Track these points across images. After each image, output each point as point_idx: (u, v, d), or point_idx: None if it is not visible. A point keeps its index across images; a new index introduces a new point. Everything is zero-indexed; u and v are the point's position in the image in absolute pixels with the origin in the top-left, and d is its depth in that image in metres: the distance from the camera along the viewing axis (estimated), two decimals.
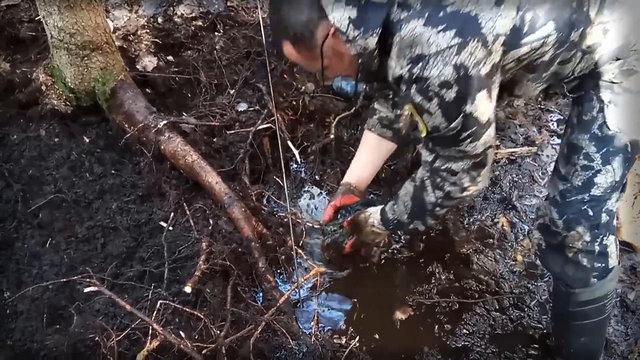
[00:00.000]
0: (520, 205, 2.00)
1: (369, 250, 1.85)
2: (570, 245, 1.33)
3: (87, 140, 2.13)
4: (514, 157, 2.17)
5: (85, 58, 1.99)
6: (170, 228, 1.86)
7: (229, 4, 2.33)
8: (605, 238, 1.34)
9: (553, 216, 1.35)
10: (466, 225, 1.97)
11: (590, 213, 1.30)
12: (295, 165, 2.17)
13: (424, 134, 1.24)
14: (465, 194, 1.32)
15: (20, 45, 2.27)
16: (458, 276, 1.82)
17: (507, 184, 2.08)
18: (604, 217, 1.31)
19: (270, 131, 2.13)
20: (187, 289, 1.54)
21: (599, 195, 1.29)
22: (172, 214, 1.86)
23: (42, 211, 1.93)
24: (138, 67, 2.26)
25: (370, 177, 1.77)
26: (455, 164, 1.26)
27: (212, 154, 2.08)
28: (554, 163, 1.47)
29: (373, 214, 1.59)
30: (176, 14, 2.32)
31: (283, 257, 1.84)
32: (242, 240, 1.80)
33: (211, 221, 1.84)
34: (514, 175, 2.11)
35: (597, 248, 1.32)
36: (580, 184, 1.30)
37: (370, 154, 1.75)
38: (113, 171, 2.05)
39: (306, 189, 2.14)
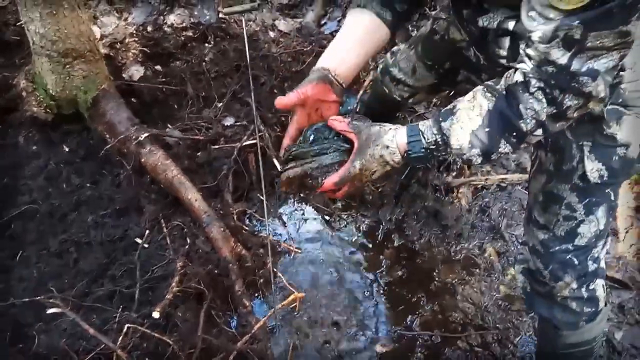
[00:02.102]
0: (508, 235, 1.92)
1: (355, 189, 1.32)
2: (558, 293, 1.26)
3: (67, 150, 2.04)
4: (505, 184, 2.09)
5: (67, 66, 1.91)
6: (146, 245, 1.77)
7: (221, 15, 2.25)
8: (592, 283, 1.26)
9: (538, 266, 1.27)
10: (452, 253, 1.88)
11: (576, 262, 1.23)
12: None
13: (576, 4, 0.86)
14: (580, 112, 0.98)
15: (5, 49, 2.19)
16: (442, 307, 1.73)
17: (497, 212, 2.00)
18: (591, 265, 1.24)
19: (256, 147, 2.04)
20: (155, 314, 1.45)
21: (583, 245, 1.21)
22: (147, 231, 1.76)
23: (14, 222, 1.84)
24: (124, 75, 2.18)
25: (356, 68, 1.24)
26: (605, 59, 0.90)
27: (195, 169, 1.99)
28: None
29: (393, 130, 1.10)
30: (166, 23, 2.25)
31: (261, 280, 1.74)
32: (219, 262, 1.71)
33: (188, 240, 1.76)
34: (504, 203, 2.03)
35: (585, 294, 1.25)
36: (563, 234, 1.22)
37: (358, 34, 1.23)
38: (91, 183, 1.96)
39: (291, 207, 2.05)
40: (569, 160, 1.16)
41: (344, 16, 2.49)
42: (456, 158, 1.21)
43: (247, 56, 1.43)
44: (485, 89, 1.04)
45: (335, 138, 1.15)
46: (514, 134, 1.01)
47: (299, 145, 1.17)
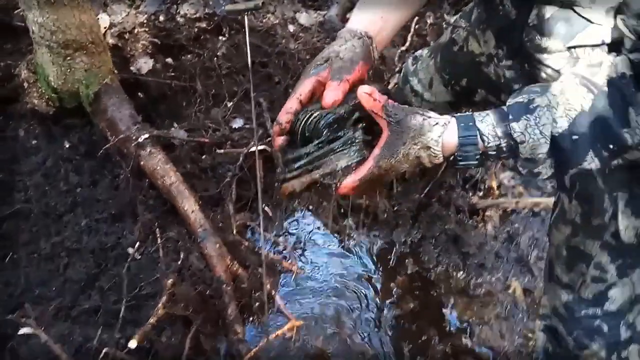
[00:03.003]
0: (537, 270, 1.68)
1: (373, 188, 1.25)
2: None
3: (68, 145, 1.92)
4: (538, 210, 1.85)
5: (68, 58, 1.77)
6: (138, 257, 1.63)
7: (224, 12, 2.06)
8: (625, 351, 1.05)
9: (560, 330, 1.07)
10: (472, 287, 1.67)
11: (606, 329, 1.02)
12: None
13: None
14: None
15: (11, 35, 2.07)
16: (455, 350, 1.53)
17: (526, 241, 1.77)
18: (624, 333, 1.03)
19: (264, 154, 1.86)
20: (132, 344, 1.31)
21: (615, 310, 1.02)
22: (137, 243, 1.63)
23: (6, 221, 1.73)
24: (132, 68, 2.04)
25: (391, 33, 1.08)
26: None
27: (198, 174, 1.84)
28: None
29: (440, 127, 0.87)
30: (179, 13, 2.08)
31: (257, 304, 1.58)
32: (213, 281, 1.55)
33: (182, 255, 1.61)
34: (535, 231, 1.80)
35: None
36: (590, 297, 1.02)
37: None
38: (89, 183, 1.84)
39: (297, 221, 1.88)
40: (600, 214, 0.96)
41: None
42: (523, 167, 1.03)
43: (249, 61, 1.23)
44: (578, 79, 0.84)
45: (351, 123, 0.93)
46: (611, 146, 0.81)
47: (302, 135, 0.94)
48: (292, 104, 0.97)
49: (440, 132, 0.86)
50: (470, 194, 1.89)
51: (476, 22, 1.31)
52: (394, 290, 1.67)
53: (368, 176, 0.90)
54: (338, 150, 0.92)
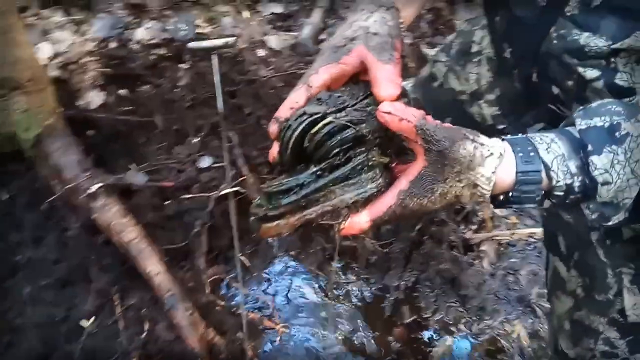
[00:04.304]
0: (540, 310, 1.49)
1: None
2: None
3: (6, 197, 1.59)
4: (535, 240, 1.66)
5: (3, 98, 1.46)
6: (95, 330, 1.34)
7: (199, 30, 1.79)
8: None
9: None
10: (474, 334, 1.46)
11: None
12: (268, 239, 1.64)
13: None
14: None
15: None
16: None
17: (526, 277, 1.58)
18: None
19: (239, 196, 1.60)
20: None
21: None
22: (93, 313, 1.33)
23: None
24: (80, 103, 1.73)
25: (416, 11, 0.87)
26: None
27: (161, 224, 1.57)
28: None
29: (495, 159, 0.62)
30: (133, 39, 1.78)
31: None
32: (185, 355, 1.28)
33: (146, 325, 1.32)
34: (534, 265, 1.61)
35: None
36: None
37: None
38: (32, 241, 1.52)
39: (278, 270, 1.62)
40: (603, 290, 0.86)
41: None
42: (594, 214, 0.69)
43: (220, 103, 0.97)
44: None
45: (372, 147, 0.66)
46: None
47: (292, 150, 0.66)
48: (298, 97, 0.69)
49: (495, 166, 0.62)
50: (463, 227, 1.68)
51: (456, 57, 1.18)
52: (392, 344, 1.44)
53: (385, 217, 0.63)
54: (344, 178, 0.65)
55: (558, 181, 0.64)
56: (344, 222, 0.64)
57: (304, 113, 0.66)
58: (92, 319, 1.34)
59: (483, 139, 0.63)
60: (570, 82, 0.80)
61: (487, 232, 1.67)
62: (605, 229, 0.83)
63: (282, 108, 0.69)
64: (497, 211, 1.72)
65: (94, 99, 1.74)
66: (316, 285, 1.57)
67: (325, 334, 1.46)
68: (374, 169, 0.65)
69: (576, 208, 0.81)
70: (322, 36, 1.98)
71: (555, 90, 0.84)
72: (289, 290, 1.56)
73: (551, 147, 0.65)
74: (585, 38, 0.75)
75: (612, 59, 0.75)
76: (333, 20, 2.05)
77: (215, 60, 1.05)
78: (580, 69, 0.77)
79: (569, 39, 0.78)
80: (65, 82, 1.73)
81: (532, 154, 0.64)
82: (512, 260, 1.64)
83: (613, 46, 0.73)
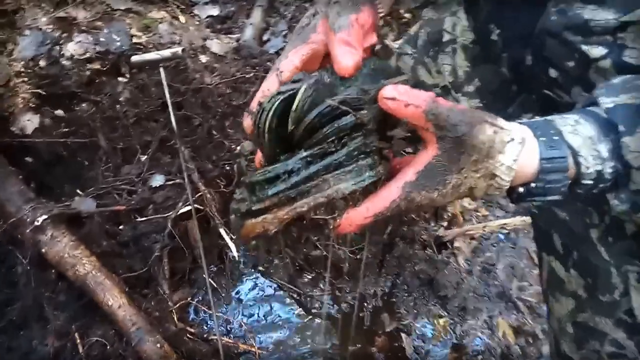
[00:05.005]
0: (522, 303, 1.65)
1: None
2: None
3: None
4: (507, 231, 1.83)
5: None
6: None
7: (135, 40, 1.86)
8: None
9: None
10: (459, 337, 1.61)
11: None
12: (234, 254, 1.74)
13: None
14: None
15: None
16: None
17: (503, 271, 1.74)
18: None
19: (198, 213, 1.69)
20: None
21: None
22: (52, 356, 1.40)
23: None
24: (14, 129, 1.77)
25: None
26: None
27: (117, 251, 1.64)
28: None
29: (517, 144, 0.61)
30: (64, 54, 1.83)
31: None
32: None
33: None
34: (511, 258, 1.77)
35: None
36: None
37: None
38: None
39: (248, 287, 1.72)
40: (608, 291, 0.86)
41: (290, 30, 2.15)
42: (626, 204, 0.69)
43: (173, 120, 1.07)
44: None
45: (370, 132, 0.63)
46: None
47: (271, 133, 0.63)
48: (269, 85, 0.69)
49: (517, 154, 0.60)
50: (433, 224, 1.83)
51: (424, 48, 1.20)
52: (376, 355, 1.57)
53: (388, 212, 0.61)
54: (339, 165, 0.62)
55: (588, 167, 0.62)
56: (340, 217, 0.62)
57: (278, 93, 0.63)
58: None
59: (502, 122, 0.61)
60: (570, 63, 0.78)
61: (459, 227, 1.83)
62: (606, 225, 0.83)
63: (254, 100, 0.69)
64: (467, 204, 1.88)
65: (29, 123, 1.78)
66: (289, 301, 1.69)
67: (303, 351, 1.58)
68: (372, 155, 0.63)
69: (572, 204, 0.87)
70: (265, 36, 2.09)
71: (553, 73, 0.82)
72: (260, 309, 1.66)
73: (577, 129, 0.63)
74: (589, 11, 0.74)
75: (620, 34, 0.73)
76: (275, 19, 2.16)
77: (163, 73, 1.13)
78: (584, 47, 0.75)
79: (570, 13, 0.76)
80: None
81: (555, 137, 0.62)
82: (487, 254, 1.80)
83: (622, 19, 0.72)
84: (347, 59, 0.65)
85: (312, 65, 0.72)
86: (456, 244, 1.79)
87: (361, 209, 0.62)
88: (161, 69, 1.18)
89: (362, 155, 0.62)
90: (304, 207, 0.60)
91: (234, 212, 0.66)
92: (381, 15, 0.76)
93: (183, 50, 1.30)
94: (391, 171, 0.64)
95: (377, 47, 0.80)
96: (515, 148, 0.60)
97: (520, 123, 0.64)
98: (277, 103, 0.63)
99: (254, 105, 0.67)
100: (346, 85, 0.66)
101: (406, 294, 1.69)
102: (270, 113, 0.63)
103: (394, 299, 1.68)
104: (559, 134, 0.63)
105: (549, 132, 0.63)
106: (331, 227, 0.63)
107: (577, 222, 0.89)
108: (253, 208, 0.62)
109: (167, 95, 1.02)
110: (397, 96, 0.60)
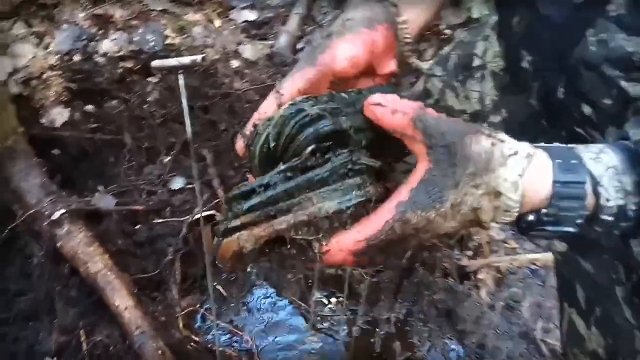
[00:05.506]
0: (545, 347, 1.59)
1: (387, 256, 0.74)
2: None
3: None
4: (536, 268, 1.77)
5: None
6: None
7: (168, 41, 1.90)
8: None
9: None
10: None
11: None
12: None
13: None
14: None
15: None
16: None
17: (528, 309, 1.68)
18: None
19: (213, 220, 1.71)
20: None
21: None
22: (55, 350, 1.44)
23: None
24: (44, 121, 1.84)
25: (428, 15, 0.83)
26: None
27: (132, 251, 1.68)
28: None
29: (522, 158, 0.57)
30: (98, 51, 1.90)
31: None
32: None
33: None
34: (537, 296, 1.71)
35: None
36: None
37: None
38: None
39: (257, 299, 1.72)
40: (630, 355, 0.80)
41: None
42: None
43: (189, 128, 1.09)
44: None
45: (358, 146, 0.63)
46: None
47: (263, 156, 0.63)
48: (267, 107, 0.68)
49: (522, 168, 0.56)
50: (457, 252, 1.79)
51: (454, 71, 1.17)
52: None
53: (382, 235, 0.57)
54: (323, 182, 0.59)
55: (608, 200, 0.57)
56: (325, 239, 0.59)
57: (273, 117, 0.63)
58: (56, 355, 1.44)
59: (503, 135, 0.59)
60: (607, 100, 0.73)
61: (485, 258, 1.78)
62: (633, 283, 0.78)
63: (250, 122, 0.69)
64: (495, 235, 1.82)
65: (59, 116, 1.86)
66: (299, 318, 1.68)
67: None
68: (362, 175, 0.61)
69: (598, 255, 0.83)
70: (299, 45, 2.10)
71: (587, 109, 0.77)
72: (269, 323, 1.66)
73: (600, 157, 0.59)
74: (634, 44, 0.69)
75: None
76: (311, 28, 2.17)
77: (182, 80, 1.15)
78: (623, 83, 0.70)
79: (611, 45, 0.71)
80: (27, 98, 1.84)
81: (574, 161, 0.58)
82: (512, 290, 1.74)
83: None
84: (343, 62, 0.67)
85: (317, 90, 0.70)
86: (480, 276, 1.74)
87: (351, 233, 0.59)
88: (180, 76, 1.20)
89: (350, 174, 0.61)
90: (283, 224, 0.58)
91: (215, 235, 0.67)
92: (408, 40, 0.74)
93: (203, 58, 1.32)
94: (388, 194, 0.61)
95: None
96: (520, 162, 0.56)
97: (536, 146, 0.60)
98: (270, 127, 0.62)
99: (248, 128, 0.67)
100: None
101: (421, 324, 1.65)
102: (263, 137, 0.62)
103: (408, 328, 1.65)
104: (577, 158, 0.58)
105: (566, 155, 0.59)
106: (316, 250, 0.59)
107: (602, 276, 0.84)
108: (229, 226, 0.60)
109: (184, 102, 1.04)
110: (384, 102, 0.60)
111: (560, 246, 0.92)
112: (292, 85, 0.68)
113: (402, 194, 0.58)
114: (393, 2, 0.75)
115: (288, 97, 0.67)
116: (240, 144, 0.68)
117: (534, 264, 1.78)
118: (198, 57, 1.17)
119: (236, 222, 0.60)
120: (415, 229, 0.57)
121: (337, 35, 0.71)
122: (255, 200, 0.59)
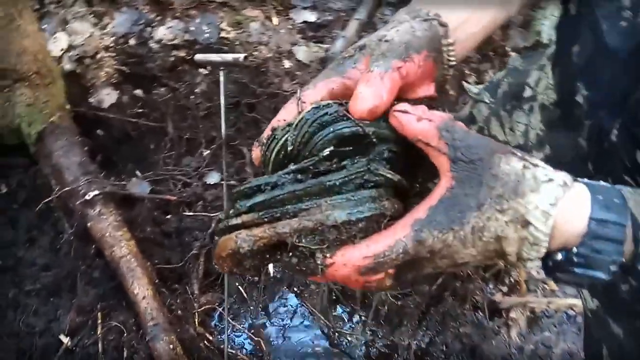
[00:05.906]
0: None
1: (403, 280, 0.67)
2: None
3: (5, 190, 1.77)
4: (575, 313, 1.68)
5: (7, 89, 1.64)
6: (73, 347, 1.47)
7: (223, 34, 1.92)
8: None
9: None
10: None
11: None
12: (271, 269, 1.74)
13: None
14: None
15: None
16: None
17: (560, 357, 1.60)
18: None
19: None
20: None
21: None
22: (72, 329, 1.46)
23: None
24: (92, 100, 1.89)
25: (483, 30, 0.76)
26: None
27: (159, 240, 1.70)
28: None
29: (558, 187, 0.52)
30: (154, 37, 1.93)
31: None
32: None
33: (125, 352, 1.44)
34: (570, 343, 1.63)
35: None
36: None
37: None
38: (25, 241, 1.69)
39: (278, 307, 1.71)
40: None
41: None
42: None
43: (223, 123, 1.09)
44: None
45: (373, 151, 0.59)
46: None
47: (278, 160, 0.61)
48: (286, 114, 0.64)
49: (556, 197, 0.51)
50: (491, 286, 1.73)
51: (502, 99, 1.14)
52: None
53: (392, 254, 0.53)
54: (335, 189, 0.56)
55: None
56: (330, 251, 0.56)
57: (293, 122, 0.61)
58: (71, 334, 1.47)
59: (537, 160, 0.54)
60: None
61: (520, 296, 1.71)
62: None
63: (266, 130, 0.65)
64: (535, 273, 1.75)
65: (106, 97, 1.90)
66: (316, 330, 1.66)
67: None
68: (379, 187, 0.57)
69: (631, 320, 0.78)
70: None
71: None
72: (286, 332, 1.65)
73: None
74: None
75: None
76: (370, 34, 2.13)
77: (222, 77, 1.15)
78: None
79: None
80: (79, 76, 1.90)
81: (617, 200, 0.53)
82: (545, 334, 1.66)
83: None
84: (363, 102, 0.59)
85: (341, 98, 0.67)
86: (512, 314, 1.67)
87: (359, 248, 0.55)
88: (220, 73, 1.20)
89: (367, 185, 0.57)
90: (286, 228, 0.55)
91: (213, 233, 0.65)
92: (452, 63, 0.69)
93: (245, 57, 1.31)
94: (404, 214, 0.57)
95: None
96: (554, 190, 0.51)
97: (576, 180, 0.55)
98: (290, 132, 0.60)
99: (265, 135, 0.64)
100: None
101: (443, 356, 1.60)
102: (281, 141, 0.60)
103: (428, 358, 1.60)
104: (621, 198, 0.53)
105: (609, 193, 0.54)
106: (319, 262, 0.56)
107: (631, 343, 0.79)
108: (229, 223, 0.58)
109: (222, 99, 1.04)
110: (410, 110, 0.57)
111: (592, 304, 0.87)
112: (315, 93, 0.65)
113: (420, 211, 0.54)
114: (442, 22, 0.69)
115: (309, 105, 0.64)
116: (256, 152, 0.65)
117: (572, 309, 1.70)
118: (241, 56, 1.17)
119: (237, 220, 0.57)
120: (430, 252, 0.53)
121: (372, 54, 0.67)
122: (259, 198, 0.57)
